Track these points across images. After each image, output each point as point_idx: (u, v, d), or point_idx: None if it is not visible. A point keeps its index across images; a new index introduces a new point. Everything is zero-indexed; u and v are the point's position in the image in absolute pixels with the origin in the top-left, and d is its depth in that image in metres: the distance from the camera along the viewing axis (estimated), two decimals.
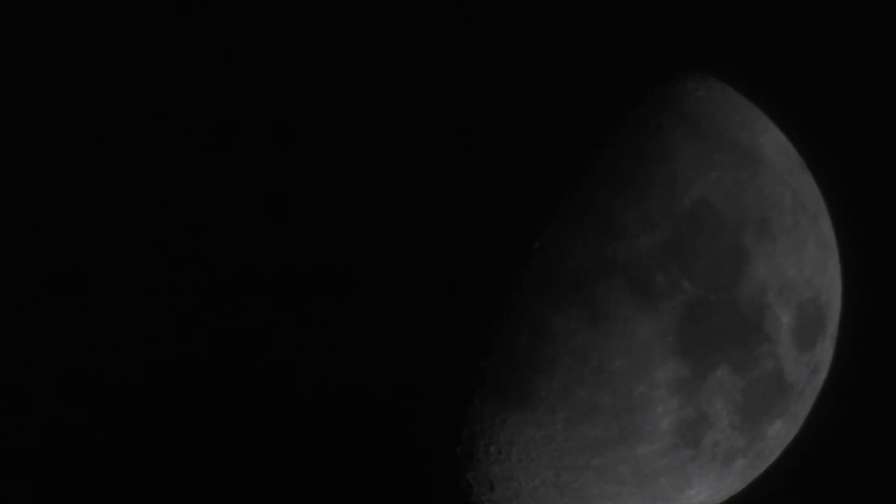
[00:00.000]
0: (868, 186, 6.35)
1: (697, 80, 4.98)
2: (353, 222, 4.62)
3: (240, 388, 4.81)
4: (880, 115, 6.43)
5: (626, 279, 4.47)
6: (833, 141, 6.24)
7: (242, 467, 4.91)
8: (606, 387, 4.53)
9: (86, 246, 5.10)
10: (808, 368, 4.98)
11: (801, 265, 4.87)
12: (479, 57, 4.86)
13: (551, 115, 4.67)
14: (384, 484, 4.76)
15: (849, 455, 6.39)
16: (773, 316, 4.74)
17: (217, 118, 4.97)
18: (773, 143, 5.01)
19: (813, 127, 5.86)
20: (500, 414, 4.57)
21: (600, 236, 4.47)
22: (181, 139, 5.07)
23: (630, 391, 4.55)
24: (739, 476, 5.08)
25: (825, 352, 5.13)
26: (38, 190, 5.23)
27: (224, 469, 4.95)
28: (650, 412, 4.60)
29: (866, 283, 5.93)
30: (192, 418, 4.94)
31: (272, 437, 4.81)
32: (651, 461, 4.70)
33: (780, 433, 5.05)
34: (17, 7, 5.34)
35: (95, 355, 5.07)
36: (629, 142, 4.64)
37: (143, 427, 5.08)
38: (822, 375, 5.20)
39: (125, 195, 5.09)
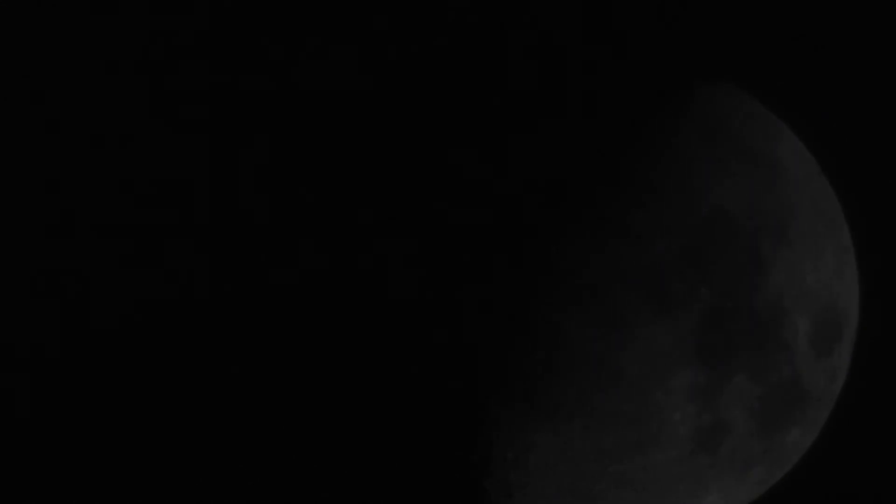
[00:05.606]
0: (886, 193, 6.34)
1: (714, 87, 4.99)
2: (368, 228, 4.63)
3: (252, 397, 4.82)
4: None
5: (643, 286, 4.47)
6: (850, 147, 6.22)
7: (255, 477, 4.91)
8: (624, 393, 4.53)
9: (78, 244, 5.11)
10: (825, 375, 4.97)
11: (819, 272, 4.86)
12: (493, 63, 4.86)
13: (568, 122, 4.67)
14: (401, 491, 4.76)
15: (866, 462, 6.37)
16: (790, 323, 4.74)
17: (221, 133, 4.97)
18: (790, 150, 5.01)
19: (830, 133, 5.86)
20: (517, 421, 4.58)
21: (617, 243, 4.48)
22: (180, 141, 5.09)
23: (647, 398, 4.55)
24: (757, 483, 5.07)
25: (843, 358, 5.12)
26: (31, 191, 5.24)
27: (237, 480, 4.96)
28: (668, 419, 4.60)
29: (884, 289, 5.92)
30: (196, 422, 4.95)
31: (283, 441, 4.81)
32: (669, 468, 4.70)
33: (798, 440, 5.05)
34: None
35: (91, 354, 5.08)
36: (646, 148, 4.65)
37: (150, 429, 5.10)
38: (840, 382, 5.19)
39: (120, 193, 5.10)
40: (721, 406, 4.67)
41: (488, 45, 4.96)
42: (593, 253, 4.47)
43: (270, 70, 4.95)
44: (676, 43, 5.18)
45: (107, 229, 5.07)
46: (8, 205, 5.22)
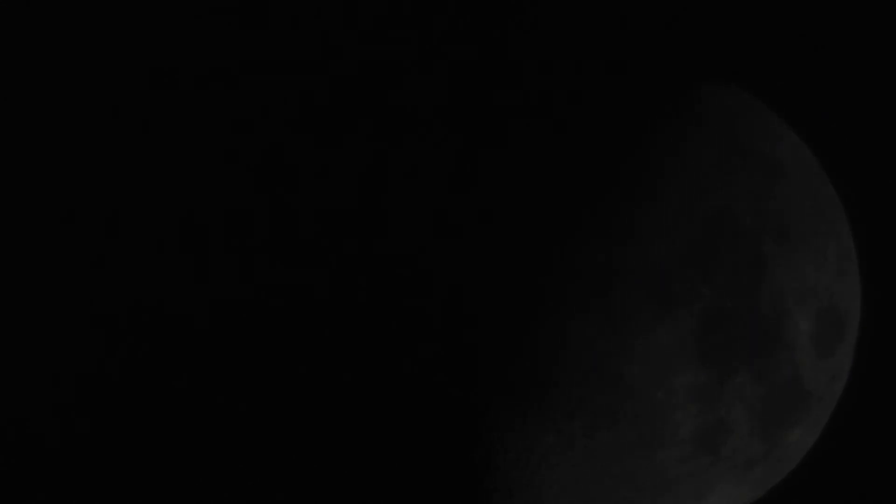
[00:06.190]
0: (888, 193, 6.35)
1: (716, 88, 4.99)
2: (371, 230, 4.63)
3: (252, 396, 4.82)
4: None
5: (645, 286, 4.47)
6: (852, 147, 6.23)
7: (255, 477, 4.91)
8: (626, 394, 4.53)
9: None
10: (827, 375, 4.97)
11: (821, 272, 4.86)
12: (496, 65, 4.86)
13: (570, 124, 4.68)
14: (402, 491, 4.76)
15: (868, 462, 6.38)
16: (792, 323, 4.74)
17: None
18: (792, 151, 5.01)
19: (832, 133, 5.86)
20: (518, 421, 4.58)
21: (619, 243, 4.48)
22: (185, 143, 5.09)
23: (649, 398, 4.55)
24: (759, 483, 5.07)
25: (845, 359, 5.12)
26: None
27: (237, 481, 4.96)
28: (669, 419, 4.60)
29: (886, 289, 5.92)
30: (196, 422, 4.95)
31: (283, 440, 4.81)
32: (671, 468, 4.70)
33: (800, 440, 5.05)
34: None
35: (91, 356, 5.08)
36: (648, 150, 4.65)
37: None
38: (842, 382, 5.19)
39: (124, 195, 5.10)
40: (722, 406, 4.67)
41: (489, 46, 4.96)
42: (595, 253, 4.47)
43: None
44: (678, 44, 5.18)
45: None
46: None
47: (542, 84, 4.79)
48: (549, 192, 4.55)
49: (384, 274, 4.60)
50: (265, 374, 4.79)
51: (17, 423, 5.19)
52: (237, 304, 4.81)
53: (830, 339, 4.95)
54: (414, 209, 4.61)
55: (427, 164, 4.65)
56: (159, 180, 5.00)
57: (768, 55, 6.24)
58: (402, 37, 5.05)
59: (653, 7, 5.38)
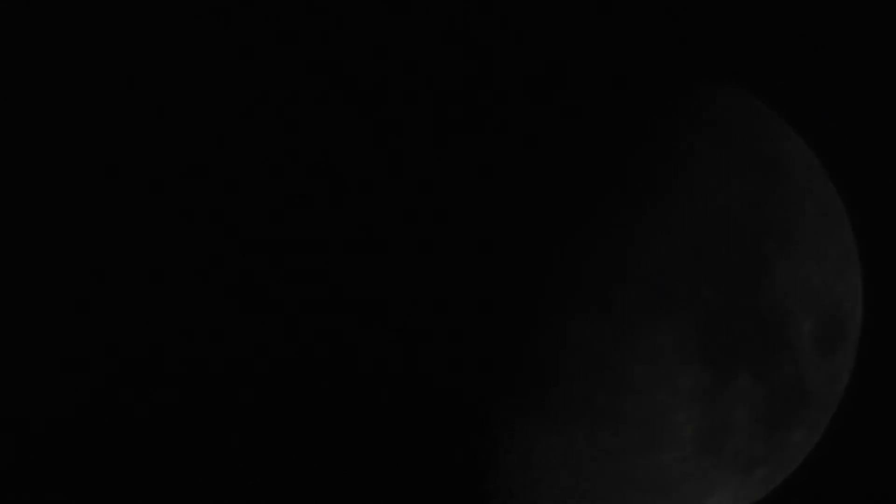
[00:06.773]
0: (889, 194, 6.34)
1: (718, 88, 4.99)
2: (372, 231, 4.63)
3: (254, 396, 4.82)
4: None
5: (646, 287, 4.47)
6: (854, 148, 6.23)
7: (255, 477, 4.91)
8: (627, 394, 4.52)
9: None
10: (829, 376, 4.97)
11: (823, 273, 4.86)
12: (497, 66, 4.86)
13: (572, 124, 4.67)
14: (403, 491, 4.76)
15: (870, 463, 6.37)
16: (794, 323, 4.74)
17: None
18: (794, 151, 5.01)
19: (834, 134, 5.86)
20: (520, 421, 4.57)
21: (622, 244, 4.47)
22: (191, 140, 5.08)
23: (651, 399, 4.55)
24: (761, 484, 5.07)
25: (847, 359, 5.12)
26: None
27: (237, 481, 4.95)
28: (671, 420, 4.60)
29: (887, 290, 5.92)
30: (196, 423, 4.95)
31: (288, 442, 4.81)
32: (672, 469, 4.70)
33: (802, 441, 5.05)
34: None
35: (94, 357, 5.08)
36: (650, 150, 4.65)
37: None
38: (844, 383, 5.19)
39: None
40: (724, 407, 4.66)
41: (491, 48, 4.96)
42: (598, 254, 4.47)
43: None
44: (680, 44, 5.18)
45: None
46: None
47: (542, 85, 4.79)
48: (549, 192, 4.55)
49: (384, 272, 4.59)
50: (266, 373, 4.78)
51: (17, 423, 5.19)
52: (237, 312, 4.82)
53: (832, 339, 4.95)
54: (414, 209, 4.60)
55: (428, 163, 4.64)
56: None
57: (768, 55, 6.23)
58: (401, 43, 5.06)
59: (653, 7, 5.37)
